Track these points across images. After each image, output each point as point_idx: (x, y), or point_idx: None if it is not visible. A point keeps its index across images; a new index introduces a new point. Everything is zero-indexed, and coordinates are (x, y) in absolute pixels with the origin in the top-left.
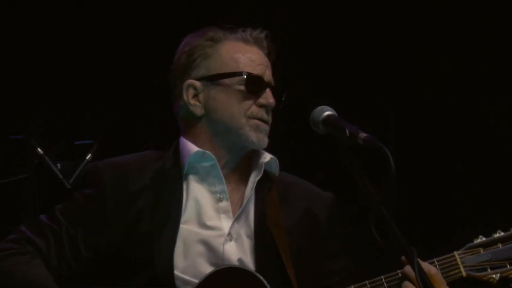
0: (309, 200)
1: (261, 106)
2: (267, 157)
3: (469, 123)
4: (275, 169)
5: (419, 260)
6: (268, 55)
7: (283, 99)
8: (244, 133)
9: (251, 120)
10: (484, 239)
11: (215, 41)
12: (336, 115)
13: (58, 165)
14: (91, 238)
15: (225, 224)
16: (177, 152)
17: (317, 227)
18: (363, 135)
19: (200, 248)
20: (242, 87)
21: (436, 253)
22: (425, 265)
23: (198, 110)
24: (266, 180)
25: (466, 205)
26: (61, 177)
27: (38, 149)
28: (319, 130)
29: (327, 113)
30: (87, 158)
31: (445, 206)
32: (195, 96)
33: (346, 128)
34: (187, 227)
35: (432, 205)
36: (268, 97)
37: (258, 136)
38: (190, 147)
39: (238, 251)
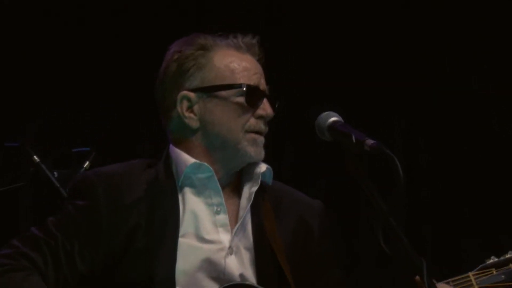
0: (301, 208)
1: (259, 117)
2: (262, 167)
3: (475, 127)
4: (269, 179)
5: (434, 282)
6: (260, 61)
7: (277, 106)
8: (242, 148)
9: (248, 134)
10: (496, 259)
11: (206, 49)
12: (342, 121)
13: (55, 173)
14: (87, 251)
15: (224, 237)
16: (168, 162)
17: (311, 237)
18: (370, 141)
19: (201, 262)
20: (240, 99)
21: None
22: (442, 285)
23: (193, 123)
24: (260, 190)
25: (473, 207)
26: (58, 185)
27: (34, 156)
28: (325, 137)
29: (333, 119)
30: (84, 166)
31: (453, 210)
32: (190, 108)
33: (353, 134)
34: (186, 241)
35: (440, 210)
36: (266, 107)
37: (255, 150)
38: (185, 158)
39: (239, 264)
